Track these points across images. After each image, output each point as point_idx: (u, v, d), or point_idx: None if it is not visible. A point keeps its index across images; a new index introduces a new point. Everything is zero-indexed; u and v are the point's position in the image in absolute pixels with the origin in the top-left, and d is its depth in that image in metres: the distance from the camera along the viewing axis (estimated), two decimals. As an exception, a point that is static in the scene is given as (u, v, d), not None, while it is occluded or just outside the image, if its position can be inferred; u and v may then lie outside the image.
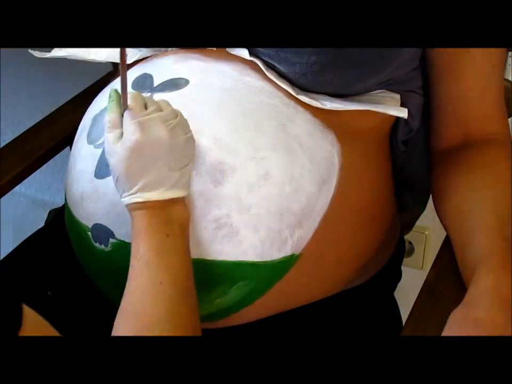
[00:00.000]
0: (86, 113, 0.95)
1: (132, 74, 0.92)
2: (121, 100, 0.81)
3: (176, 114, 0.82)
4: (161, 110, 0.81)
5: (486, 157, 0.95)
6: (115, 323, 0.77)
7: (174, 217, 0.80)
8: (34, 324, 0.63)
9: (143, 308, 0.76)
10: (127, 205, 0.81)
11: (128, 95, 0.81)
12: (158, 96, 0.87)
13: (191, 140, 0.82)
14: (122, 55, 0.80)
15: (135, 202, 0.80)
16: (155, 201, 0.80)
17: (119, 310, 0.77)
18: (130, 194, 0.80)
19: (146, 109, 0.81)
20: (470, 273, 0.86)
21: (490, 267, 0.84)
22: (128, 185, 0.80)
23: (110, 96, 0.82)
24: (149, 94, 0.88)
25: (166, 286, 0.77)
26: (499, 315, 0.80)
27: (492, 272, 0.83)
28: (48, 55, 0.96)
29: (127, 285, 0.78)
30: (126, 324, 0.76)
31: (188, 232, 0.82)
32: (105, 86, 0.97)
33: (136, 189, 0.79)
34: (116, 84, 0.93)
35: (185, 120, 0.83)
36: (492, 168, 0.94)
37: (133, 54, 0.95)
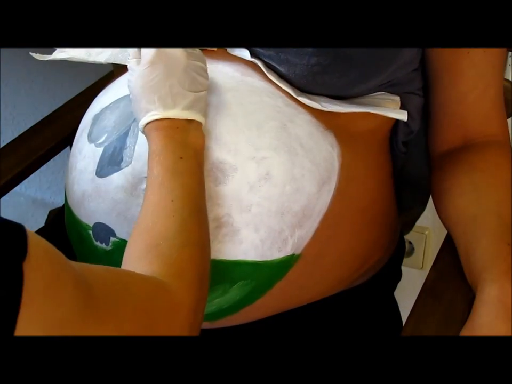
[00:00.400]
0: (87, 112, 0.95)
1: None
2: None
3: (195, 49, 0.84)
4: None
5: (487, 159, 0.95)
6: (128, 241, 0.78)
7: (188, 141, 0.81)
8: (40, 254, 0.62)
9: (153, 224, 0.76)
10: (144, 126, 0.82)
11: None
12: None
13: (205, 70, 0.84)
14: None
15: (152, 121, 0.81)
16: (171, 120, 0.81)
17: (133, 229, 0.78)
18: (146, 112, 0.81)
19: None
20: (475, 279, 0.86)
21: (494, 276, 0.84)
22: (144, 102, 0.81)
23: None
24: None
25: (177, 204, 0.77)
26: (503, 329, 0.81)
27: (496, 281, 0.83)
28: (48, 58, 0.96)
29: (142, 204, 0.79)
30: (136, 240, 0.77)
31: (202, 157, 0.82)
32: (105, 86, 0.97)
33: (152, 104, 0.81)
34: (117, 83, 0.94)
35: (203, 56, 0.85)
36: (494, 170, 0.94)
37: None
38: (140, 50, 0.83)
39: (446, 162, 0.97)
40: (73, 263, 0.66)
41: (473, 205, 0.91)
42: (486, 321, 0.82)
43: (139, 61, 0.83)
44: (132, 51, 0.84)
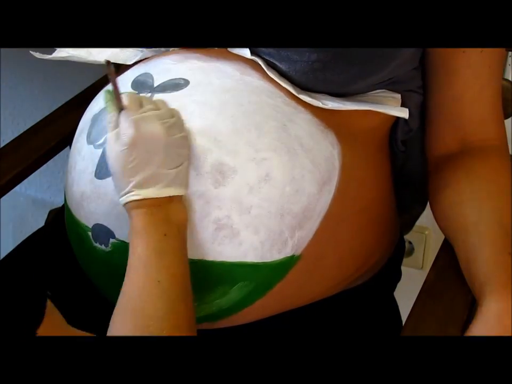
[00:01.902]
0: (85, 113, 0.95)
1: (132, 74, 0.92)
2: (116, 102, 0.82)
3: (173, 114, 0.83)
4: (158, 109, 0.82)
5: (486, 165, 0.94)
6: (112, 321, 0.77)
7: (171, 217, 0.80)
8: (53, 323, 0.62)
9: (142, 306, 0.76)
10: (125, 204, 0.81)
11: (124, 95, 0.82)
12: (158, 97, 0.87)
13: (186, 139, 0.83)
14: (109, 67, 0.81)
15: (132, 201, 0.80)
16: (152, 199, 0.80)
17: (116, 308, 0.77)
18: (127, 192, 0.80)
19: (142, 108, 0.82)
20: (477, 290, 0.85)
21: (493, 289, 0.83)
22: (125, 182, 0.80)
23: (105, 98, 0.83)
24: (149, 94, 0.88)
25: (165, 285, 0.77)
26: None
27: (495, 295, 0.83)
28: (49, 57, 0.96)
29: (124, 283, 0.78)
30: (123, 321, 0.77)
31: (185, 232, 0.82)
32: (105, 86, 0.97)
33: (132, 185, 0.80)
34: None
35: (182, 121, 0.83)
36: (493, 177, 0.93)
37: (134, 54, 0.95)
38: (118, 120, 0.81)
39: (444, 168, 0.96)
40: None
41: (473, 214, 0.90)
42: (483, 334, 0.81)
43: (118, 134, 0.81)
44: (111, 119, 0.82)
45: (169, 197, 0.81)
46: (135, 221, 0.80)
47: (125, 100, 0.82)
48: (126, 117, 0.81)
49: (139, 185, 0.80)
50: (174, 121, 0.82)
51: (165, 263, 0.78)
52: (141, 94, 0.88)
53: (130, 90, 0.90)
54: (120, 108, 0.82)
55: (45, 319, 0.62)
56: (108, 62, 0.80)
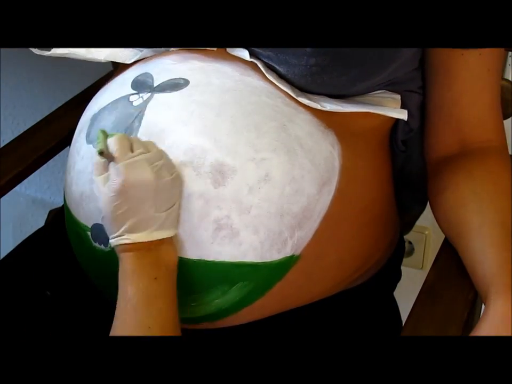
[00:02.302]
0: (84, 113, 0.94)
1: (132, 73, 0.92)
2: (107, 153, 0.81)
3: (162, 155, 0.82)
4: (147, 151, 0.81)
5: (486, 166, 0.94)
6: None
7: (161, 259, 0.80)
8: None
9: None
10: (114, 247, 0.81)
11: (114, 138, 0.81)
12: (158, 97, 0.87)
13: (177, 180, 0.82)
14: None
15: (123, 244, 0.80)
16: (142, 243, 0.80)
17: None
18: (117, 236, 0.80)
19: (132, 151, 0.81)
20: (483, 292, 0.85)
21: (499, 290, 0.83)
22: (115, 227, 0.80)
23: (97, 138, 0.82)
24: (149, 94, 0.88)
25: (155, 332, 0.77)
26: None
27: (501, 296, 0.82)
28: (47, 53, 0.96)
29: (113, 325, 0.78)
30: None
31: (175, 274, 0.82)
32: (104, 86, 0.97)
33: (123, 230, 0.80)
34: (115, 83, 0.93)
35: (171, 161, 0.83)
36: (494, 178, 0.93)
37: (133, 53, 0.95)
38: (105, 164, 0.81)
39: (444, 170, 0.96)
40: None
41: (475, 216, 0.90)
42: (489, 335, 0.81)
43: (107, 179, 0.80)
44: (97, 162, 0.81)
45: (160, 239, 0.81)
46: (125, 264, 0.80)
47: (115, 145, 0.80)
48: (116, 161, 0.80)
49: (129, 230, 0.79)
50: (163, 163, 0.81)
51: (155, 309, 0.78)
52: (140, 94, 0.88)
53: (131, 90, 0.89)
54: (112, 159, 0.80)
55: None
56: (101, 153, 0.80)
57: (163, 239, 0.81)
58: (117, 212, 0.79)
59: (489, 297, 0.83)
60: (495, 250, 0.86)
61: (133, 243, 0.80)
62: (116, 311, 0.78)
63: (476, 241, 0.88)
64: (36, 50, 0.98)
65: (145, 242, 0.80)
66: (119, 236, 0.80)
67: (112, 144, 0.81)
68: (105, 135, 0.82)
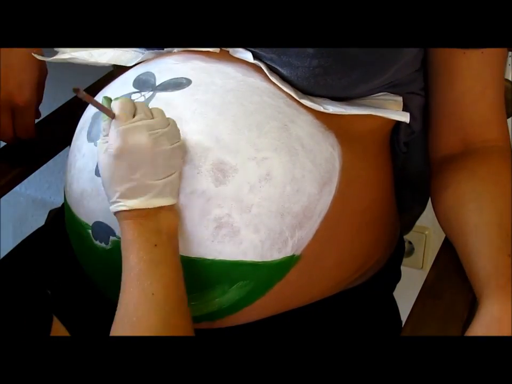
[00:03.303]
0: (85, 111, 0.95)
1: (134, 72, 0.92)
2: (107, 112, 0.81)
3: (168, 123, 0.82)
4: (151, 118, 0.81)
5: (489, 166, 0.94)
6: (112, 330, 0.77)
7: (161, 226, 0.80)
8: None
9: (138, 321, 0.76)
10: (114, 214, 0.81)
11: (117, 101, 0.81)
12: (160, 96, 0.87)
13: (178, 150, 0.82)
14: (79, 93, 0.79)
15: (121, 211, 0.80)
16: (140, 210, 0.80)
17: (115, 318, 0.77)
18: (114, 202, 0.80)
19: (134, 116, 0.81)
20: (478, 291, 0.85)
21: (492, 291, 0.83)
22: (112, 192, 0.80)
23: (102, 103, 0.82)
24: (151, 92, 0.88)
25: (159, 297, 0.77)
26: None
27: (493, 297, 0.82)
28: (51, 59, 0.96)
29: (120, 296, 0.78)
30: (121, 333, 0.76)
31: (177, 240, 0.82)
32: (105, 86, 0.97)
33: (118, 195, 0.80)
34: (116, 82, 0.94)
35: (177, 130, 0.83)
36: (496, 178, 0.92)
37: (135, 56, 0.95)
38: (108, 126, 0.81)
39: (447, 169, 0.96)
40: None
41: (474, 215, 0.90)
42: (482, 335, 0.81)
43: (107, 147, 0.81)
44: (105, 126, 0.81)
45: (158, 207, 0.80)
46: (125, 233, 0.80)
47: (117, 107, 0.81)
48: (114, 126, 0.80)
49: (125, 196, 0.80)
50: (166, 131, 0.81)
51: (158, 275, 0.78)
52: (142, 93, 0.88)
53: (132, 88, 0.90)
54: (113, 117, 0.81)
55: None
56: (77, 90, 0.79)
57: (161, 207, 0.81)
58: (113, 175, 0.80)
59: (482, 298, 0.84)
60: (491, 250, 0.86)
61: (129, 209, 0.79)
62: (121, 283, 0.78)
63: (473, 241, 0.88)
64: (38, 57, 0.98)
65: (143, 209, 0.80)
66: (116, 202, 0.80)
67: (115, 107, 0.81)
68: (110, 100, 0.82)
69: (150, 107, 0.83)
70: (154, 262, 0.78)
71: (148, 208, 0.80)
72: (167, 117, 0.83)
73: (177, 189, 0.82)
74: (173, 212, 0.82)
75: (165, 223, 0.81)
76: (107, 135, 0.81)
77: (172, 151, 0.81)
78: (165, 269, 0.79)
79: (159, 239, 0.79)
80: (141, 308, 0.77)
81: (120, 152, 0.79)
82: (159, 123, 0.81)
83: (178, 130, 0.83)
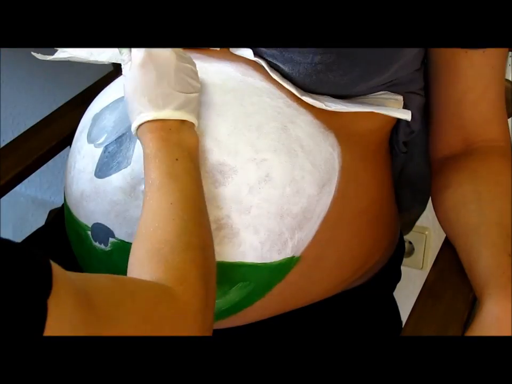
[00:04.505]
0: (86, 112, 0.95)
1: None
2: None
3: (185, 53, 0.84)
4: None
5: (490, 166, 0.94)
6: (131, 248, 0.77)
7: (183, 142, 0.81)
8: (62, 287, 0.62)
9: (154, 229, 0.76)
10: (136, 128, 0.81)
11: None
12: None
13: (196, 73, 0.84)
14: None
15: (144, 122, 0.80)
16: (162, 122, 0.80)
17: (135, 236, 0.78)
18: (138, 114, 0.81)
19: None
20: (478, 291, 0.85)
21: (492, 291, 0.83)
22: (136, 104, 0.81)
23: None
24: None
25: (177, 207, 0.77)
26: None
27: (494, 297, 0.82)
28: (50, 58, 0.96)
29: (142, 208, 0.79)
30: (138, 246, 0.77)
31: (197, 157, 0.82)
32: (105, 86, 0.97)
33: (143, 106, 0.80)
34: (117, 83, 0.94)
35: (195, 66, 0.85)
36: (497, 178, 0.92)
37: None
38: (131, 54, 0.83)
39: (448, 169, 0.96)
40: (73, 274, 0.65)
41: (474, 215, 0.90)
42: (482, 335, 0.81)
43: (131, 63, 0.83)
44: (125, 56, 0.84)
45: (180, 121, 0.81)
46: (147, 148, 0.80)
47: None
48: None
49: (150, 105, 0.80)
50: (185, 55, 0.84)
51: (178, 186, 0.78)
52: None
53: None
54: None
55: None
56: None
57: (184, 122, 0.81)
58: (138, 87, 0.81)
59: (483, 297, 0.84)
60: (491, 251, 0.86)
61: (152, 120, 0.80)
62: (143, 197, 0.79)
63: (473, 240, 0.88)
64: (38, 56, 0.98)
65: (166, 121, 0.80)
66: (140, 113, 0.81)
67: None
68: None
69: None
70: (175, 175, 0.78)
71: (171, 121, 0.81)
72: None
73: (197, 111, 0.83)
74: (193, 130, 0.82)
75: (186, 139, 0.81)
76: (127, 61, 0.83)
77: (192, 71, 0.84)
78: (185, 181, 0.79)
79: (180, 154, 0.80)
80: (158, 217, 0.77)
81: (144, 61, 0.81)
82: (180, 50, 0.84)
83: (193, 61, 0.85)
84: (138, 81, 0.81)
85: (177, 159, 0.79)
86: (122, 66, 0.85)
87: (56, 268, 0.61)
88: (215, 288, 0.78)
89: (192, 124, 0.82)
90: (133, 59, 0.82)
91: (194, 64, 0.85)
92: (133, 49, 0.83)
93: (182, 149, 0.80)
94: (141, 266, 0.75)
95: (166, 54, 0.82)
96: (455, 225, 0.92)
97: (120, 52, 0.84)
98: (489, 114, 0.95)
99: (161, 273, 0.73)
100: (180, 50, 0.84)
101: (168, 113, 0.81)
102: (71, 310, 0.62)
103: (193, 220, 0.77)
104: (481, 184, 0.92)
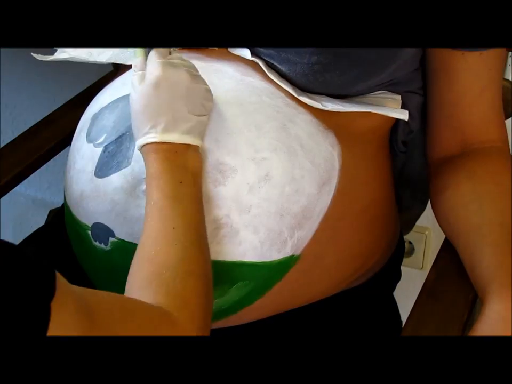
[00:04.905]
0: (85, 112, 0.95)
1: (132, 73, 0.92)
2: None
3: (197, 70, 0.84)
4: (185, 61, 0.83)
5: (488, 166, 0.93)
6: (131, 269, 0.77)
7: (187, 165, 0.80)
8: (65, 293, 0.63)
9: (156, 253, 0.76)
10: (142, 147, 0.81)
11: (154, 49, 0.83)
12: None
13: (209, 93, 0.83)
14: None
15: (150, 143, 0.80)
16: (169, 144, 0.80)
17: (134, 256, 0.77)
18: (145, 134, 0.80)
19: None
20: (481, 291, 0.85)
21: (495, 290, 0.83)
22: (144, 123, 0.80)
23: (136, 53, 0.84)
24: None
25: (179, 232, 0.77)
26: None
27: (497, 296, 0.82)
28: (50, 58, 0.96)
29: (142, 231, 0.78)
30: (139, 268, 0.76)
31: (200, 181, 0.82)
32: (105, 86, 0.97)
33: (152, 126, 0.80)
34: (116, 82, 0.94)
35: (204, 80, 0.84)
36: (495, 178, 0.92)
37: (134, 54, 0.95)
38: (145, 63, 0.83)
39: (445, 170, 0.96)
40: (76, 288, 0.66)
41: (475, 215, 0.90)
42: (486, 334, 0.81)
43: (143, 76, 0.82)
44: (138, 63, 0.83)
45: (187, 144, 0.81)
46: (151, 167, 0.80)
47: (154, 50, 0.83)
48: (154, 59, 0.81)
49: (158, 127, 0.80)
50: (199, 74, 0.83)
51: (181, 210, 0.78)
52: None
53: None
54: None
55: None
56: None
57: (190, 145, 0.81)
58: (149, 106, 0.80)
59: (486, 297, 0.83)
60: (493, 250, 0.86)
61: (159, 142, 0.79)
62: (144, 217, 0.78)
63: (474, 240, 0.88)
64: (38, 56, 0.98)
65: (172, 144, 0.80)
66: (147, 133, 0.80)
67: (152, 52, 0.83)
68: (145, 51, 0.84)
69: None
70: (178, 199, 0.78)
71: (178, 144, 0.80)
72: None
73: (204, 133, 0.83)
74: (198, 153, 0.82)
75: (191, 162, 0.81)
76: (139, 69, 0.82)
77: (206, 92, 0.83)
78: (187, 205, 0.78)
79: (184, 177, 0.79)
80: (159, 241, 0.76)
81: (159, 81, 0.80)
82: (193, 67, 0.83)
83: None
84: (150, 100, 0.80)
85: (181, 182, 0.79)
86: (133, 72, 0.83)
87: (59, 276, 0.62)
88: (211, 317, 0.78)
89: (197, 147, 0.82)
90: (147, 75, 0.81)
91: (206, 83, 0.84)
92: (149, 65, 0.82)
93: (187, 172, 0.80)
94: (141, 289, 0.74)
95: (181, 75, 0.81)
96: (455, 226, 0.92)
97: (135, 54, 0.84)
98: (487, 115, 0.95)
99: (162, 297, 0.73)
100: (193, 68, 0.83)
101: (177, 137, 0.80)
102: (72, 316, 0.63)
103: (195, 246, 0.77)
104: (480, 185, 0.92)
